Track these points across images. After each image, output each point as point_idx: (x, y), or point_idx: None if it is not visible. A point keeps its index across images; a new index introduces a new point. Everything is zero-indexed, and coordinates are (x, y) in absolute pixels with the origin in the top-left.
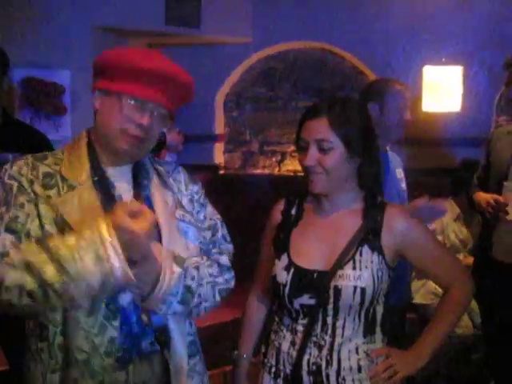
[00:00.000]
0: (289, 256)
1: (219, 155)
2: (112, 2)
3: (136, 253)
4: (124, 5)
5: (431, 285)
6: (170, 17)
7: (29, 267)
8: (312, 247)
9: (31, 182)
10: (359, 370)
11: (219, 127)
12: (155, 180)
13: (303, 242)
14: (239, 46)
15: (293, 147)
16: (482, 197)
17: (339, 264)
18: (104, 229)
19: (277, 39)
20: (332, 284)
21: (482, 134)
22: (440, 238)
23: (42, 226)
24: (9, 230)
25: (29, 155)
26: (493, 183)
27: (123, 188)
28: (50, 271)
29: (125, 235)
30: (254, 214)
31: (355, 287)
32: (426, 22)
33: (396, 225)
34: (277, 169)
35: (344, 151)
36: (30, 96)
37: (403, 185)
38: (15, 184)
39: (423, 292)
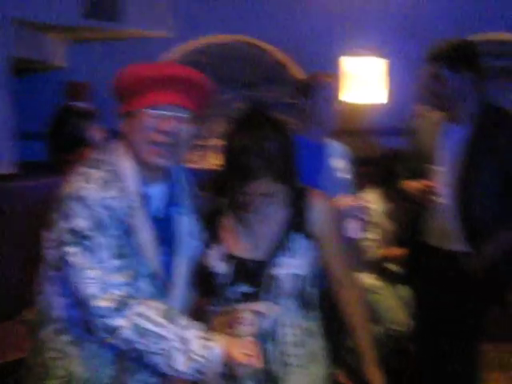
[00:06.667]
0: (222, 246)
1: None
2: None
3: None
4: None
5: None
6: (89, 10)
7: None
8: (243, 236)
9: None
10: (300, 345)
11: None
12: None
13: (234, 230)
14: (162, 39)
15: (216, 141)
16: (412, 184)
17: (273, 252)
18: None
19: (200, 32)
20: (269, 272)
21: (402, 124)
22: (377, 231)
23: None
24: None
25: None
26: (420, 171)
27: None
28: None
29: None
30: None
31: (292, 274)
32: (348, 14)
33: (317, 209)
34: (202, 163)
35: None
36: None
37: (342, 174)
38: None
39: None
